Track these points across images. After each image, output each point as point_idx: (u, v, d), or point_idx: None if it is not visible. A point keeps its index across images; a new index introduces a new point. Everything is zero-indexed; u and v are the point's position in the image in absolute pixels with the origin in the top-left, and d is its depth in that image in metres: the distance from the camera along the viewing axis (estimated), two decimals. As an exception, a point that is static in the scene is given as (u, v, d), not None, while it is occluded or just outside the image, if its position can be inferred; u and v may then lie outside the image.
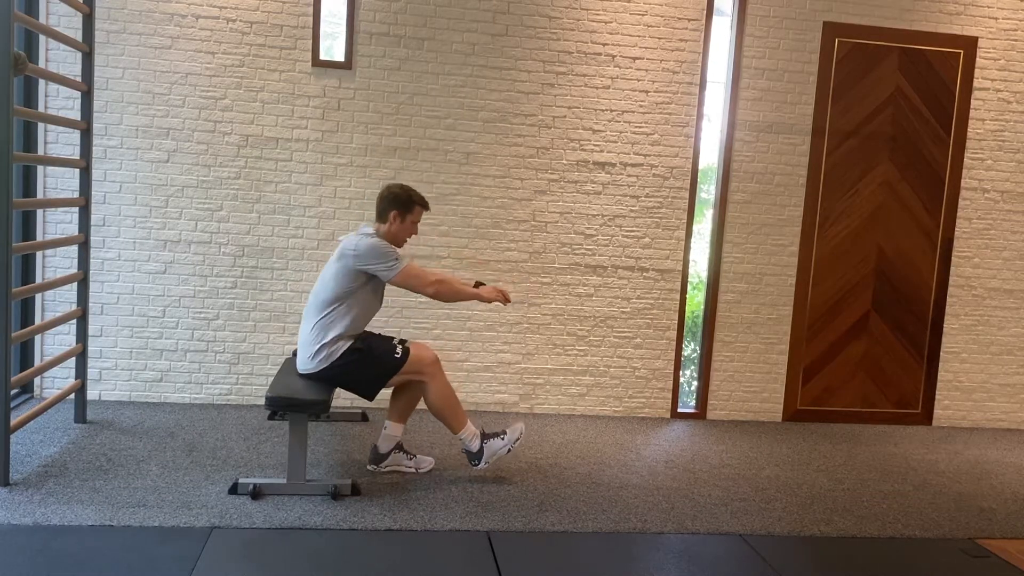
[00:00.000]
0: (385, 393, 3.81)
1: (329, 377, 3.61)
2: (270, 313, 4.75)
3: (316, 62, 4.66)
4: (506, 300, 3.81)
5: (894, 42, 5.10)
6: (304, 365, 3.63)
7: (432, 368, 3.66)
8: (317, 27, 4.64)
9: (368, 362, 3.61)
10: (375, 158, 4.74)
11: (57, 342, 4.61)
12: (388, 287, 3.71)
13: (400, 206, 3.65)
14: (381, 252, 3.56)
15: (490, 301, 3.79)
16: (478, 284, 3.80)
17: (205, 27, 4.57)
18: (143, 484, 3.48)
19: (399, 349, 3.64)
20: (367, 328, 3.76)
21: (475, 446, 3.72)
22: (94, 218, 4.50)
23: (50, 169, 4.53)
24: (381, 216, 3.68)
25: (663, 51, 4.92)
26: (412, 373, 3.65)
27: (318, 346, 3.56)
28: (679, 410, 5.18)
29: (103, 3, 4.46)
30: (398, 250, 3.63)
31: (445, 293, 3.69)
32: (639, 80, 4.92)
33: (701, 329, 5.22)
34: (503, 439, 3.75)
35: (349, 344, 3.58)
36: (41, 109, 4.50)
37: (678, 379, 5.16)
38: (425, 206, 3.73)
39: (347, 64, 4.68)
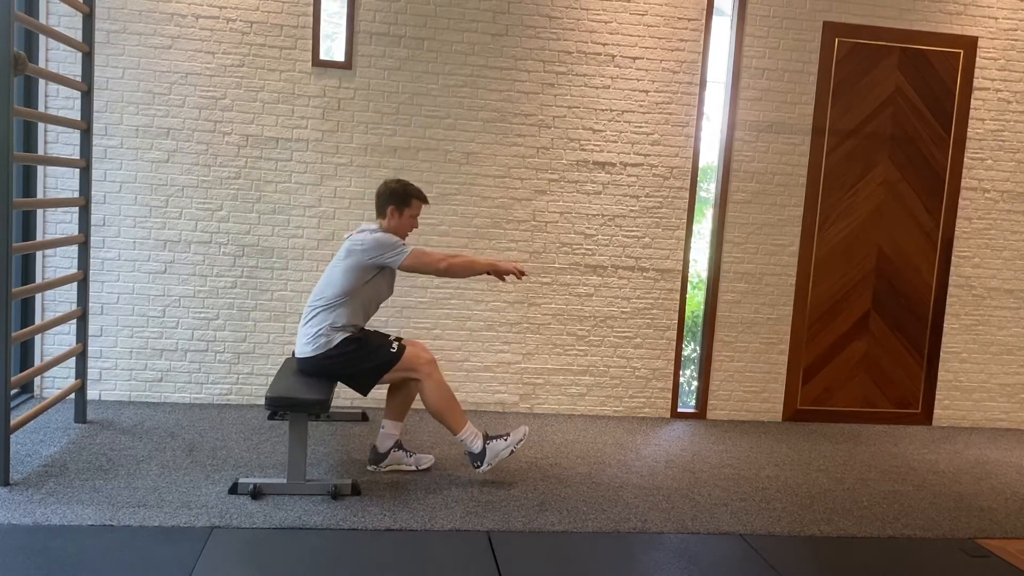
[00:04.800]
0: (382, 392, 3.81)
1: (325, 367, 3.61)
2: (270, 313, 4.75)
3: (316, 62, 4.66)
4: (521, 274, 3.74)
5: (894, 42, 5.10)
6: (302, 349, 3.65)
7: (428, 368, 3.65)
8: (317, 27, 4.64)
9: (363, 354, 3.61)
10: (375, 158, 4.74)
11: (57, 342, 4.61)
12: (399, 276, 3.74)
13: (396, 201, 3.68)
14: (386, 243, 3.59)
15: (506, 273, 3.74)
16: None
17: (205, 27, 4.57)
18: (143, 484, 3.48)
19: (395, 345, 3.66)
20: (367, 327, 3.76)
21: (477, 446, 3.70)
22: (94, 218, 4.50)
23: (50, 169, 4.53)
24: (380, 212, 3.71)
25: (663, 51, 4.91)
26: (407, 370, 3.65)
27: (317, 329, 3.58)
28: (679, 410, 5.18)
29: (103, 3, 4.46)
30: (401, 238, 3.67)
31: (458, 267, 3.68)
32: (639, 80, 4.92)
33: (701, 329, 5.21)
34: (506, 440, 3.74)
35: (347, 335, 3.60)
36: (41, 109, 4.50)
37: (678, 379, 5.15)
38: (423, 200, 3.74)
39: (347, 64, 4.68)
